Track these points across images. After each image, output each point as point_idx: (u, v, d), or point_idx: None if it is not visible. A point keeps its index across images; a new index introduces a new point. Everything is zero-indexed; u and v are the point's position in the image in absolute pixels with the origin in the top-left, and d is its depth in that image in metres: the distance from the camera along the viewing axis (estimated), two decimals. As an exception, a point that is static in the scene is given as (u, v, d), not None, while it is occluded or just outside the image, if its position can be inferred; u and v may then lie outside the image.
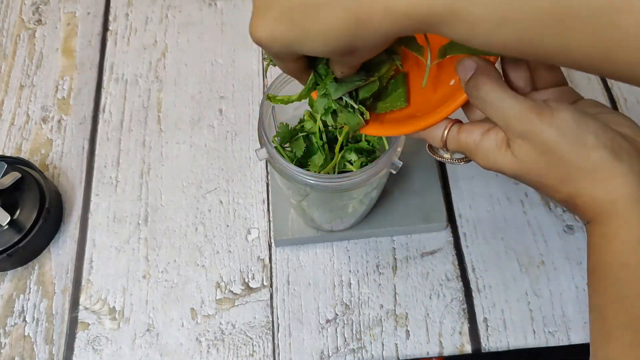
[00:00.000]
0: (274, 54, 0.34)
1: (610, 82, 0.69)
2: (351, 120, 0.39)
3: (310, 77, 0.37)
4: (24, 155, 0.67)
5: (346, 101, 0.38)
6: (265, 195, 0.64)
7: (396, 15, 0.28)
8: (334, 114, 0.39)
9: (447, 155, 0.40)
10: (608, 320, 0.36)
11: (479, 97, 0.36)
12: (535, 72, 0.39)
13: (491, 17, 0.27)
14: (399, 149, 0.48)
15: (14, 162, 0.62)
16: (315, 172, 0.49)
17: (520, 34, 0.27)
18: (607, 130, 0.35)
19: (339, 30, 0.29)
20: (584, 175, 0.35)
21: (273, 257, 0.60)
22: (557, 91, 0.39)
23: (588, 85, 0.69)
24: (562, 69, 0.40)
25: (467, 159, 0.40)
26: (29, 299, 0.59)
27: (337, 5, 0.28)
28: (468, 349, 0.56)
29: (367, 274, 0.59)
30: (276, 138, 0.51)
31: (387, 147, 0.50)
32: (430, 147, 0.41)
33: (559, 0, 0.26)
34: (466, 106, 0.39)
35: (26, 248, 0.59)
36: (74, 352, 0.57)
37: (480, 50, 0.30)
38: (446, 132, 0.38)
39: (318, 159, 0.49)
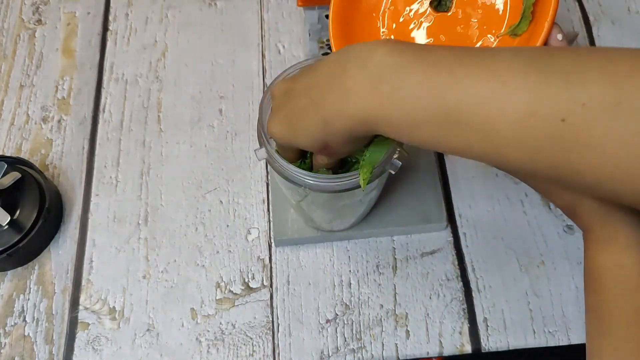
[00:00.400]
0: (279, 145, 0.45)
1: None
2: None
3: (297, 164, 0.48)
4: (24, 155, 0.67)
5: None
6: (265, 195, 0.64)
7: (347, 119, 0.36)
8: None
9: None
10: (603, 318, 0.40)
11: None
12: None
13: (406, 120, 0.34)
14: (398, 149, 0.47)
15: (14, 162, 0.62)
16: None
17: (431, 133, 0.34)
18: None
19: (314, 130, 0.38)
20: None
21: (273, 257, 0.60)
22: None
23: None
24: None
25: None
26: (29, 299, 0.59)
27: (314, 111, 0.38)
28: (468, 349, 0.56)
29: (367, 274, 0.59)
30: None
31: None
32: None
33: (450, 110, 0.33)
34: None
35: (26, 248, 0.59)
36: (74, 352, 0.57)
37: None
38: None
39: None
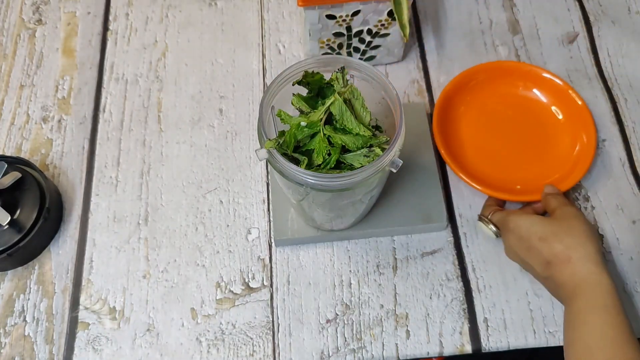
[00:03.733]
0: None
1: (610, 82, 0.69)
2: None
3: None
4: (24, 155, 0.67)
5: None
6: (265, 195, 0.64)
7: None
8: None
9: (491, 226, 0.59)
10: (581, 350, 0.48)
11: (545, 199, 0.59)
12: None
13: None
14: (399, 148, 0.48)
15: (14, 162, 0.62)
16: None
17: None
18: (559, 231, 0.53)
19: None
20: (554, 263, 0.51)
21: (273, 257, 0.60)
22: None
23: (588, 85, 0.69)
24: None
25: (500, 233, 0.58)
26: (29, 299, 0.59)
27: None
28: (468, 348, 0.56)
29: (367, 274, 0.59)
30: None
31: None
32: (480, 217, 0.60)
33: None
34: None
35: (26, 248, 0.59)
36: (74, 352, 0.57)
37: None
38: (492, 212, 0.59)
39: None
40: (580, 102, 0.64)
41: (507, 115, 0.66)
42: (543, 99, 0.66)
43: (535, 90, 0.66)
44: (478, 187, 0.60)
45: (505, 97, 0.67)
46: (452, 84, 0.65)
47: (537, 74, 0.66)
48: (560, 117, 0.65)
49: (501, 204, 0.61)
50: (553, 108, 0.66)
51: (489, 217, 0.59)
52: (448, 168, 0.64)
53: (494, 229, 0.58)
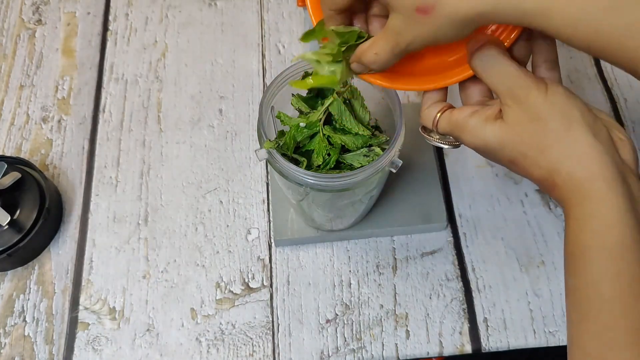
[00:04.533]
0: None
1: (610, 82, 0.69)
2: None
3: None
4: (24, 155, 0.67)
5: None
6: (265, 195, 0.64)
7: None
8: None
9: (437, 137, 0.43)
10: (583, 302, 0.36)
11: (484, 64, 0.39)
12: (534, 46, 0.42)
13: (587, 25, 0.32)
14: (399, 148, 0.48)
15: (14, 162, 0.62)
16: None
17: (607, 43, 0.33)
18: (590, 112, 0.38)
19: None
20: (565, 147, 0.37)
21: (273, 257, 0.60)
22: (549, 72, 0.42)
23: (588, 85, 0.69)
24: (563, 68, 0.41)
25: (456, 143, 0.42)
26: (29, 299, 0.59)
27: None
28: (468, 349, 0.56)
29: (367, 274, 0.59)
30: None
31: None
32: (424, 128, 0.44)
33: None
34: (462, 90, 0.43)
35: (26, 248, 0.59)
36: (74, 352, 0.57)
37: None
38: (439, 114, 0.42)
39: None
40: None
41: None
42: None
43: None
44: (412, 86, 0.43)
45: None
46: None
47: None
48: None
49: (444, 96, 0.44)
50: None
51: (436, 126, 0.42)
52: (448, 168, 0.64)
53: (445, 143, 0.43)
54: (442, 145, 0.43)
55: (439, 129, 0.42)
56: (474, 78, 0.41)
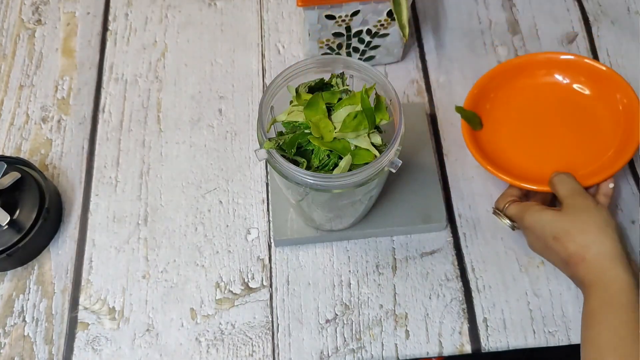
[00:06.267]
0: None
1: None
2: None
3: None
4: (24, 155, 0.67)
5: None
6: (264, 195, 0.64)
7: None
8: None
9: (506, 220, 0.57)
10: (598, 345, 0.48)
11: (559, 180, 0.56)
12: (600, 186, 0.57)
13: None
14: (398, 148, 0.48)
15: (13, 162, 0.62)
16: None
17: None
18: (619, 228, 0.52)
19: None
20: (598, 236, 0.51)
21: (273, 257, 0.60)
22: (603, 198, 0.56)
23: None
24: None
25: (515, 224, 0.57)
26: (28, 299, 0.59)
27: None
28: (468, 349, 0.56)
29: (367, 274, 0.59)
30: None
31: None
32: (495, 211, 0.58)
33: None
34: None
35: (26, 248, 0.59)
36: (74, 352, 0.57)
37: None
38: (508, 203, 0.57)
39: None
40: (604, 69, 0.61)
41: (535, 106, 0.62)
42: (564, 80, 0.63)
43: (556, 76, 0.63)
44: (506, 177, 0.57)
45: (527, 89, 0.63)
46: (473, 95, 0.61)
47: (553, 59, 0.63)
48: (587, 92, 0.62)
49: (522, 195, 0.58)
50: (575, 86, 0.62)
51: (504, 210, 0.57)
52: (448, 168, 0.64)
53: (508, 222, 0.57)
54: (507, 223, 0.57)
55: (507, 211, 0.57)
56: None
